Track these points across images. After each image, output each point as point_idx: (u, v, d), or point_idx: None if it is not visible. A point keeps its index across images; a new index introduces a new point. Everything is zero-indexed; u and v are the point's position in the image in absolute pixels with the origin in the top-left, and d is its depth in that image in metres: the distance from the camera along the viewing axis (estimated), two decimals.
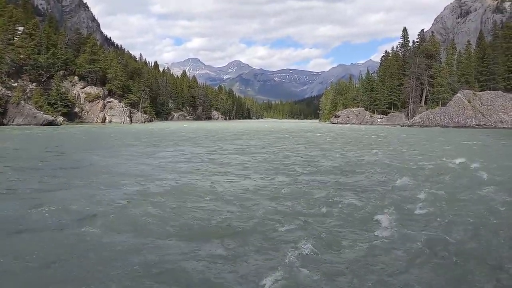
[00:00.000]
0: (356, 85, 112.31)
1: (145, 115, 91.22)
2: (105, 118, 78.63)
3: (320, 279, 4.48)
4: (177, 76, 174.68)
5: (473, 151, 20.15)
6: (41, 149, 20.84)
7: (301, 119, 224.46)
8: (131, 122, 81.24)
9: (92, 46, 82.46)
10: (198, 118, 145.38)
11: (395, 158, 16.67)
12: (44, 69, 68.64)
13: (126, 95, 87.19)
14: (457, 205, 7.90)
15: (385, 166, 13.70)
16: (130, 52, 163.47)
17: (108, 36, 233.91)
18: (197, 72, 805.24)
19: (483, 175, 11.27)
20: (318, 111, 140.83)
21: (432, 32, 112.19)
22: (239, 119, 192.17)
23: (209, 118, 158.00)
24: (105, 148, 21.61)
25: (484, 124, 59.29)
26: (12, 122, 54.47)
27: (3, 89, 56.91)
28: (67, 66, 75.87)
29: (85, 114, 75.34)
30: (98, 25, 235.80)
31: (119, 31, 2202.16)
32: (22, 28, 70.59)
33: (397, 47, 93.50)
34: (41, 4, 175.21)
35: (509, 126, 56.72)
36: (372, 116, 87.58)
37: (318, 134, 40.48)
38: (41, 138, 30.52)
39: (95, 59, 79.86)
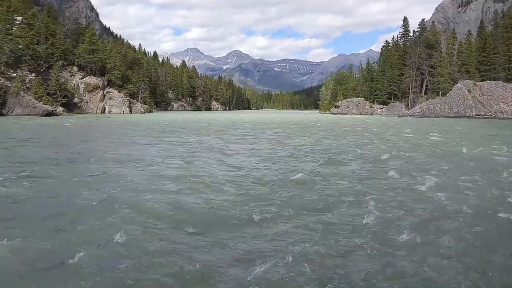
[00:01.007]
0: (356, 75, 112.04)
1: (144, 105, 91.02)
2: (105, 108, 78.58)
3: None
4: (176, 66, 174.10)
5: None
6: (74, 138, 21.66)
7: (301, 110, 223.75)
8: (131, 112, 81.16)
9: (91, 36, 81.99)
10: (197, 109, 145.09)
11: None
12: (43, 59, 68.43)
13: (125, 85, 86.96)
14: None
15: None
16: (129, 42, 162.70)
17: (107, 26, 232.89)
18: (197, 62, 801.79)
19: None
20: (318, 102, 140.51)
21: (433, 21, 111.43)
22: (239, 109, 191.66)
23: (208, 108, 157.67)
24: (142, 137, 22.61)
25: (484, 114, 59.26)
26: (12, 112, 54.32)
27: (2, 80, 56.75)
28: (66, 56, 75.58)
29: (84, 105, 75.26)
30: (97, 15, 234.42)
31: (118, 21, 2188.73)
32: (21, 18, 70.24)
33: (397, 37, 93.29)
34: None
35: (509, 117, 56.68)
36: (372, 107, 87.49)
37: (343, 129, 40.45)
38: (61, 128, 30.94)
39: (94, 49, 79.46)
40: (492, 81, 64.81)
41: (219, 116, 71.09)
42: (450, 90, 67.02)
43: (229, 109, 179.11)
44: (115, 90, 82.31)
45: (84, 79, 77.43)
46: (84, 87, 76.45)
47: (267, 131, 28.78)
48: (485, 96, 61.21)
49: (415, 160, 12.74)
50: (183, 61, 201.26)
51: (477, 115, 59.65)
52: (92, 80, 78.28)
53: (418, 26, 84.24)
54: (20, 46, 64.97)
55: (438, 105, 65.01)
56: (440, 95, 70.74)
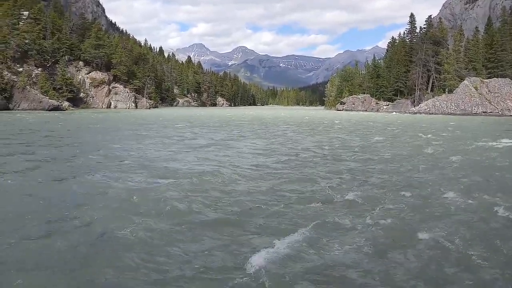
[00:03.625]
0: (362, 71, 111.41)
1: (150, 101, 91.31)
2: (110, 103, 78.86)
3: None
4: (182, 62, 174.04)
5: None
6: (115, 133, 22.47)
7: (306, 106, 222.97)
8: (136, 107, 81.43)
9: (97, 31, 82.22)
10: (203, 105, 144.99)
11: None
12: (49, 54, 68.63)
13: (131, 80, 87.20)
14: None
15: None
16: (135, 37, 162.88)
17: (113, 21, 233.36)
18: (202, 58, 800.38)
19: None
20: (324, 98, 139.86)
21: (440, 18, 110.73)
22: (244, 105, 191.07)
23: (214, 104, 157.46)
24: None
25: (491, 112, 58.83)
26: (18, 107, 54.69)
27: (9, 74, 57.04)
28: (72, 51, 75.85)
29: (90, 100, 75.54)
30: (103, 10, 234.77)
31: (124, 16, 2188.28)
32: (27, 12, 70.42)
33: (404, 33, 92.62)
34: None
35: None
36: (377, 103, 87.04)
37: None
38: (83, 122, 31.79)
39: (100, 44, 79.67)
40: (499, 78, 64.30)
41: (239, 113, 70.39)
42: (457, 87, 66.55)
43: (234, 105, 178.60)
44: (121, 85, 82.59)
45: (90, 74, 77.69)
46: (90, 82, 76.72)
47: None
48: (492, 94, 60.75)
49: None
50: (189, 57, 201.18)
51: (483, 112, 59.22)
52: (98, 75, 78.52)
53: (424, 23, 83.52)
54: (27, 41, 65.17)
55: (445, 102, 64.61)
56: (447, 92, 70.24)
